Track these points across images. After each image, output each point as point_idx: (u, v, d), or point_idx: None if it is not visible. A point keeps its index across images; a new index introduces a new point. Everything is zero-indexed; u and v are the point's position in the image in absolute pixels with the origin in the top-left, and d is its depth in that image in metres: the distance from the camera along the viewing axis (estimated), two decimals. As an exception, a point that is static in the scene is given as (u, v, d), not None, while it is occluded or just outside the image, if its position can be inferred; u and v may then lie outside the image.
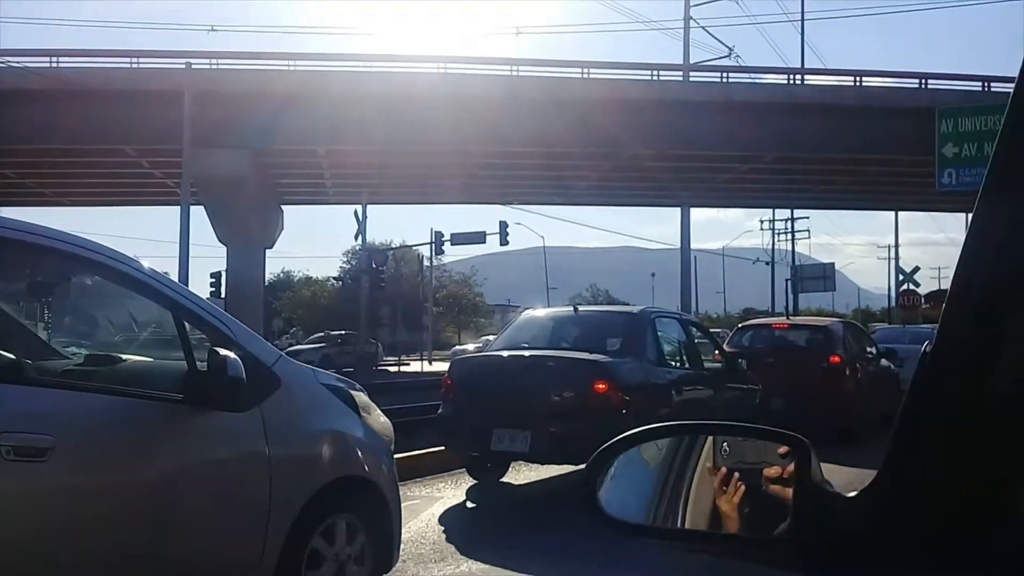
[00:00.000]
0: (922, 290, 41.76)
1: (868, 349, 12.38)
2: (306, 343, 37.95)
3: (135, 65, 27.42)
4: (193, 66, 25.89)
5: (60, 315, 4.96)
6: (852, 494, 1.00)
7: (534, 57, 30.30)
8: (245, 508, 3.57)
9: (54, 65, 26.62)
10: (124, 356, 3.86)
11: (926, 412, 0.95)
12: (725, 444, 1.18)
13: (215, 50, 28.63)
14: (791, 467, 1.06)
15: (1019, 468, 0.93)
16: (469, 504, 7.28)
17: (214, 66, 27.67)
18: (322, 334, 39.17)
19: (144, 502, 3.24)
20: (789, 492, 1.07)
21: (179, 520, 3.35)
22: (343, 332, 38.04)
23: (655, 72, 30.38)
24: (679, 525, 1.18)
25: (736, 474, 1.15)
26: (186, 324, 3.55)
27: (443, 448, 8.11)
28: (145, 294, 3.60)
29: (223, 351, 3.40)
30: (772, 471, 1.10)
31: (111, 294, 3.99)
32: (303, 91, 26.73)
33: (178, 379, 3.47)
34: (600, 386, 6.79)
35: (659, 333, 7.93)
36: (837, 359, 10.90)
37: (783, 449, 1.08)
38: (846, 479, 5.41)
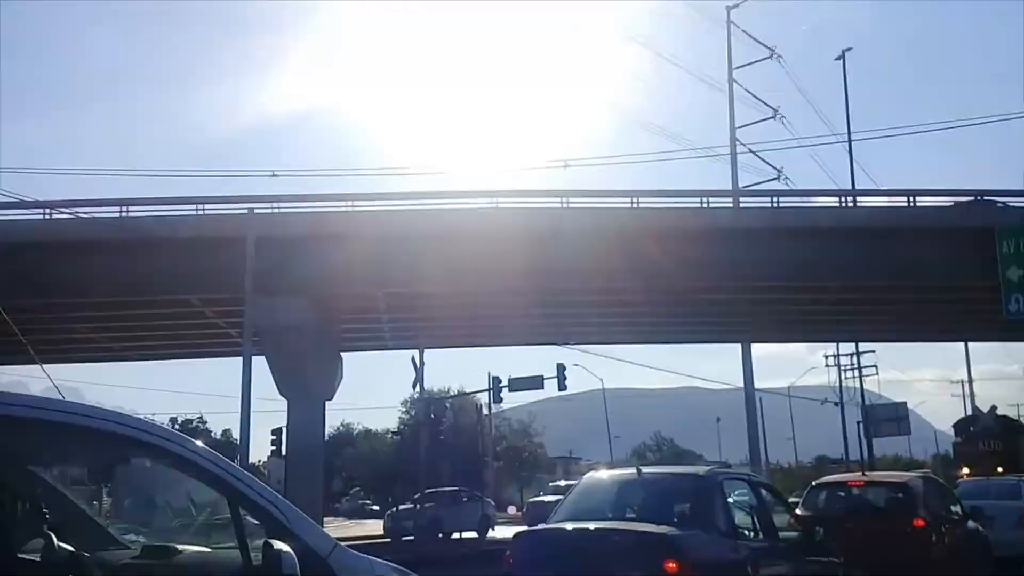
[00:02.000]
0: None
1: (953, 508, 11.63)
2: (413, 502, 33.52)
3: (200, 212, 27.90)
4: (255, 211, 26.48)
5: (119, 499, 4.95)
6: None
7: (583, 188, 30.31)
8: None
9: (124, 215, 27.24)
10: (180, 547, 3.79)
11: None
12: None
13: (276, 193, 29.17)
14: None
15: None
16: None
17: (275, 210, 28.03)
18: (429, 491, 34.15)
19: None
20: None
21: None
22: (452, 488, 35.02)
23: (705, 199, 29.96)
24: None
25: None
26: (241, 511, 3.50)
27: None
28: (200, 477, 3.60)
29: (277, 545, 3.34)
30: None
31: (169, 476, 3.97)
32: (359, 231, 27.03)
33: (232, 574, 3.37)
34: (671, 565, 6.43)
35: (729, 498, 7.56)
36: (921, 522, 10.20)
37: None
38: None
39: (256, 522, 3.61)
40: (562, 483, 39.67)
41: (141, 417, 3.94)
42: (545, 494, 38.80)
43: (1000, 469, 26.90)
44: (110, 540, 4.01)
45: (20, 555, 3.08)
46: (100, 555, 3.60)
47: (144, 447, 3.52)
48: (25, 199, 26.51)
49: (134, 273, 26.53)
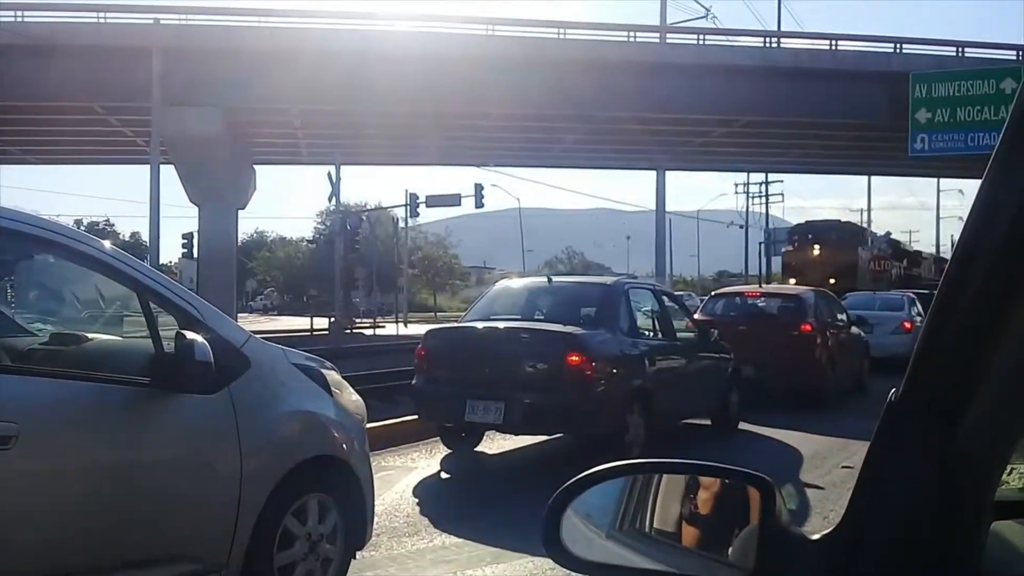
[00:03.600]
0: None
1: (839, 316, 12.54)
2: None
3: (102, 20, 26.75)
4: (162, 22, 25.32)
5: (25, 292, 4.89)
6: (815, 537, 1.00)
7: (511, 17, 29.99)
8: (215, 490, 3.55)
9: (19, 19, 25.94)
10: (90, 335, 3.81)
11: (891, 459, 0.94)
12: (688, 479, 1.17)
13: (185, 5, 28.01)
14: (756, 506, 1.05)
15: (981, 518, 0.93)
16: (443, 475, 7.31)
17: (184, 22, 27.06)
18: None
19: (112, 487, 3.22)
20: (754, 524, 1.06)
21: (148, 504, 3.34)
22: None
23: (632, 33, 30.24)
24: (642, 560, 1.17)
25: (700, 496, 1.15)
26: (151, 305, 3.50)
27: (417, 416, 8.12)
28: (109, 275, 3.55)
29: (190, 334, 3.36)
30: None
31: (77, 272, 3.92)
32: (276, 49, 26.22)
33: (145, 361, 3.43)
34: (573, 358, 6.82)
35: (632, 304, 7.96)
36: (808, 327, 11.03)
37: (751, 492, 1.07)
38: (815, 448, 5.48)
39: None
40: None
41: (45, 217, 3.84)
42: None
43: (832, 281, 24.08)
44: (16, 328, 4.01)
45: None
46: (5, 340, 3.61)
47: (47, 244, 3.41)
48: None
49: (33, 77, 25.16)
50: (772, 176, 48.23)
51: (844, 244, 29.82)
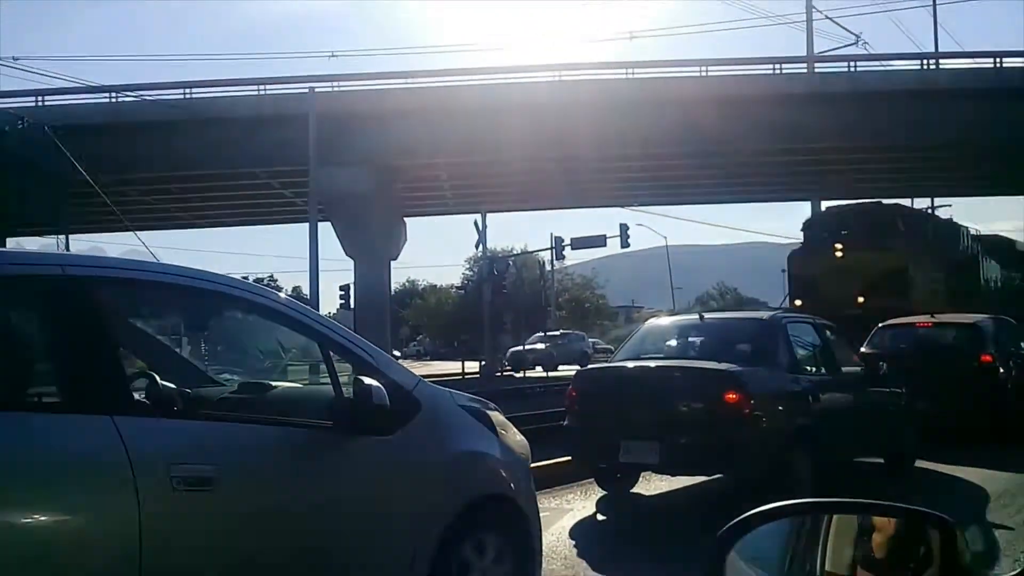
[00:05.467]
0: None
1: (1022, 345, 11.62)
2: (528, 343, 40.04)
3: (262, 92, 28.83)
4: (316, 90, 26.96)
5: (215, 346, 5.30)
6: None
7: (650, 59, 30.13)
8: (394, 528, 3.69)
9: (187, 96, 28.32)
10: (274, 383, 4.09)
11: None
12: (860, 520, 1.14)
13: (335, 73, 29.89)
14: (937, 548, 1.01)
15: None
16: (599, 516, 7.25)
17: (335, 88, 28.77)
18: (540, 334, 41.56)
19: (302, 525, 3.41)
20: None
21: (335, 541, 3.51)
22: (560, 332, 41.93)
23: (777, 66, 29.46)
24: None
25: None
26: (330, 353, 3.73)
27: (570, 458, 8.09)
28: (290, 326, 3.82)
29: (367, 379, 3.55)
30: None
31: (259, 325, 4.23)
32: (420, 107, 27.49)
33: (325, 406, 3.65)
34: (731, 396, 6.64)
35: (791, 338, 7.69)
36: (988, 358, 10.28)
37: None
38: (1002, 486, 5.08)
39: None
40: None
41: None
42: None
43: (861, 300, 16.68)
44: (208, 379, 4.34)
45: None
46: (199, 391, 3.92)
47: (236, 301, 3.76)
48: (92, 84, 27.67)
49: (199, 149, 27.50)
50: (939, 201, 45.45)
51: (885, 239, 18.09)
